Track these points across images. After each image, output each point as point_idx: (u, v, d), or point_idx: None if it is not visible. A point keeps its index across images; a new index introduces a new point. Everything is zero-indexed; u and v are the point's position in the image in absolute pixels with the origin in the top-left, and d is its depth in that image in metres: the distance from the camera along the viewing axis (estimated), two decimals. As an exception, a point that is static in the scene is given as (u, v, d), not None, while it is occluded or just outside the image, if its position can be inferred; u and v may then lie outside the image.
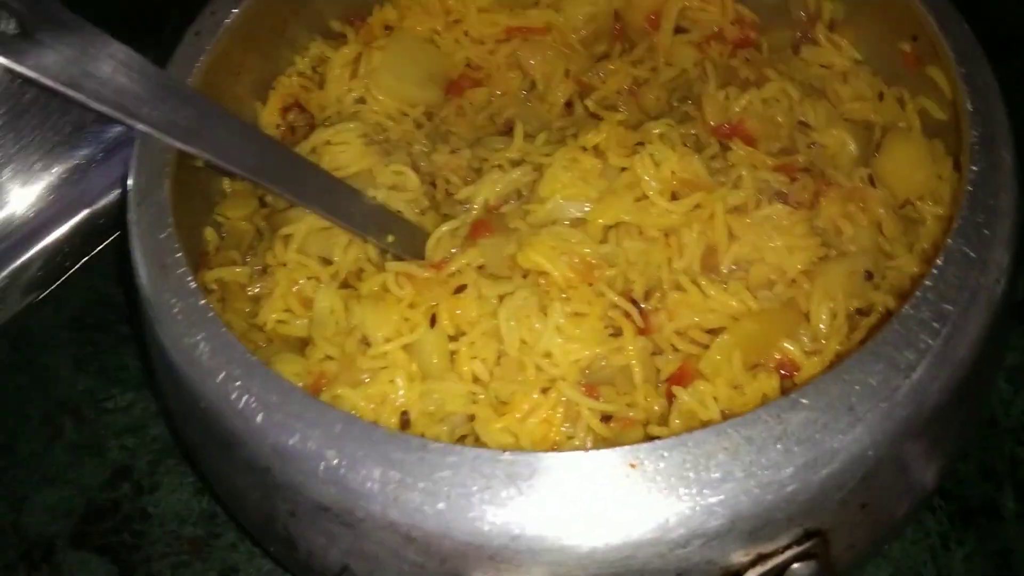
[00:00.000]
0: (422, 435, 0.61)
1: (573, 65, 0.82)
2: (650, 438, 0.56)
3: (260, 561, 0.74)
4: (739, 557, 0.50)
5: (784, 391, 0.62)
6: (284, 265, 0.70)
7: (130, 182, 0.65)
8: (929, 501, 0.74)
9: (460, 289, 0.65)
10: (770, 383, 0.62)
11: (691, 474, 0.49)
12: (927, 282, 0.55)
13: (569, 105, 0.80)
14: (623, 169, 0.68)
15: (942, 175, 0.71)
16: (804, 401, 0.51)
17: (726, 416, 0.60)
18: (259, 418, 0.54)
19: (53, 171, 0.85)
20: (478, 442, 0.61)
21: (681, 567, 0.50)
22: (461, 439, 0.62)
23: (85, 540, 0.76)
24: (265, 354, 0.66)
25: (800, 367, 0.63)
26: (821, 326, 0.64)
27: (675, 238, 0.67)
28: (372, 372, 0.63)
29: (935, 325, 0.53)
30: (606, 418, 0.62)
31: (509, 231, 0.69)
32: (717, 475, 0.49)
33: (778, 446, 0.49)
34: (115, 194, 0.87)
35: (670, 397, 0.63)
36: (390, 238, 0.70)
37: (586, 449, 0.58)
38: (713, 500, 0.48)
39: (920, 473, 0.57)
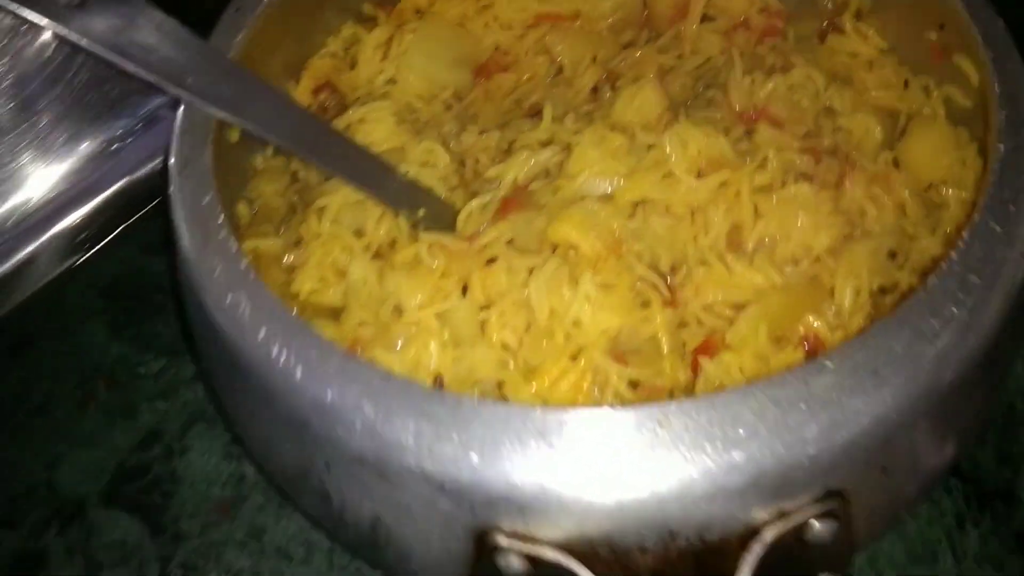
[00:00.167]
0: (455, 394, 0.62)
1: (600, 52, 0.83)
2: (677, 404, 0.57)
3: (287, 522, 0.75)
4: (761, 514, 0.51)
5: (808, 364, 0.63)
6: (318, 236, 0.71)
7: (173, 149, 0.67)
8: (946, 481, 0.75)
9: (491, 261, 0.67)
10: (795, 356, 0.63)
11: (717, 431, 0.50)
12: (953, 255, 0.56)
13: (595, 91, 0.81)
14: (650, 147, 0.70)
15: (966, 161, 0.71)
16: (829, 365, 0.52)
17: (752, 387, 0.61)
18: (298, 374, 0.55)
19: (98, 139, 0.88)
20: (508, 405, 0.62)
21: (704, 522, 0.51)
22: (492, 404, 0.64)
23: (116, 499, 0.77)
24: (300, 321, 0.67)
25: (824, 342, 0.64)
26: (845, 302, 0.65)
27: (701, 215, 0.68)
28: (406, 338, 0.64)
29: (960, 296, 0.55)
30: (633, 385, 0.63)
31: (538, 207, 0.70)
32: (743, 433, 0.50)
33: (803, 407, 0.51)
34: (151, 165, 0.89)
35: (696, 369, 0.64)
36: (421, 212, 0.71)
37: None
38: (738, 457, 0.50)
39: (939, 443, 0.58)
